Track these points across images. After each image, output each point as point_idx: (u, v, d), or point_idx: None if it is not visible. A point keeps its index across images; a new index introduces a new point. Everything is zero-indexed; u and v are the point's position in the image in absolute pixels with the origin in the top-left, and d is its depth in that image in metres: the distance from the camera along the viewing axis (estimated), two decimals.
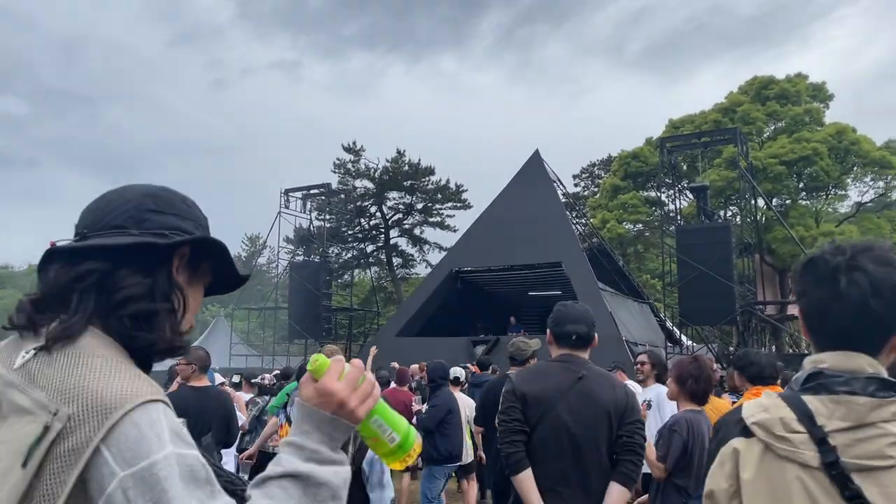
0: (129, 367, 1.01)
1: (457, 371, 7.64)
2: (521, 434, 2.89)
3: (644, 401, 5.37)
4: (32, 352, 1.00)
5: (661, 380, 5.78)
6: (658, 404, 5.56)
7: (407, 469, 8.33)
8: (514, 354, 5.43)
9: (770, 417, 1.28)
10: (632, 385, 8.07)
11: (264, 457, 6.46)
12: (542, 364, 3.17)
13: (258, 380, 8.38)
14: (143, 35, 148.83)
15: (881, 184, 30.83)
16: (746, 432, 1.30)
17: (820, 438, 1.22)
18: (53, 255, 1.07)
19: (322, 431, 1.03)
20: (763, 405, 1.32)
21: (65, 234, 1.14)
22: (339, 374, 1.07)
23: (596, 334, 3.13)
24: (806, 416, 1.25)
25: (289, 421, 4.67)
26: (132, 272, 1.06)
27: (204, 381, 5.13)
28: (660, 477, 3.65)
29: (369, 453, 3.25)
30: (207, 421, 4.73)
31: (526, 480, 2.85)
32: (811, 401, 1.26)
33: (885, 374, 1.27)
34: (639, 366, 6.23)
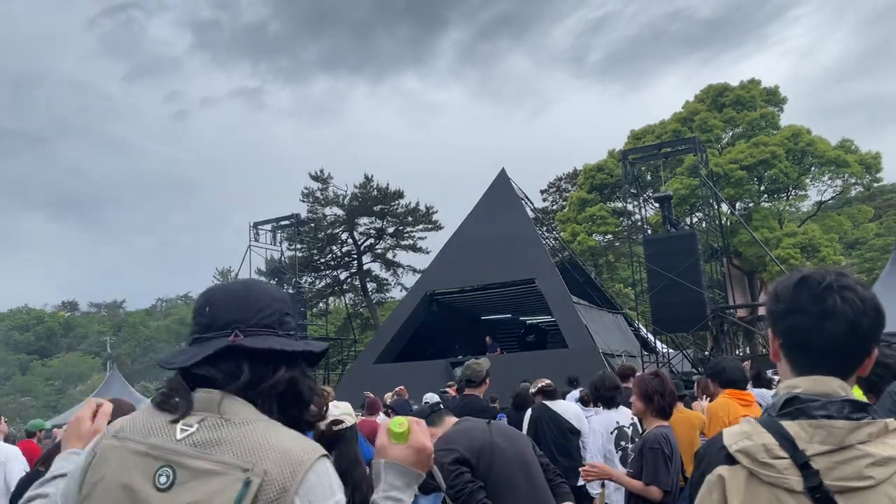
0: (291, 429, 1.23)
1: (430, 397, 7.64)
2: (480, 491, 2.78)
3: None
4: (196, 426, 1.18)
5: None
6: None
7: None
8: (470, 377, 5.38)
9: (753, 444, 1.29)
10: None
11: None
12: (448, 431, 3.00)
13: None
14: (98, 70, 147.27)
15: (839, 182, 31.65)
16: (730, 459, 1.31)
17: (803, 463, 1.24)
18: (232, 350, 1.26)
19: (412, 488, 1.29)
20: (745, 432, 1.32)
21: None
22: (425, 432, 1.31)
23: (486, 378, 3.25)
24: (787, 442, 1.27)
25: None
26: (303, 375, 1.31)
27: None
28: (657, 499, 3.58)
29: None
30: None
31: None
32: (791, 426, 1.29)
33: (854, 397, 1.32)
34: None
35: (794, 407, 1.31)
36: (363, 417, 8.31)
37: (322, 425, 3.56)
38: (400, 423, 1.31)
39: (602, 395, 5.57)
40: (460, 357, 20.11)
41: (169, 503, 1.11)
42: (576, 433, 6.17)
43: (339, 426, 3.47)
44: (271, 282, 28.52)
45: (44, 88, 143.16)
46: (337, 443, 3.44)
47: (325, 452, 1.20)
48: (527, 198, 23.98)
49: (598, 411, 6.08)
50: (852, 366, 1.34)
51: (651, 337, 23.27)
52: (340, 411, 3.57)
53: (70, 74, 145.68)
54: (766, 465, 1.26)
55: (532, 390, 6.55)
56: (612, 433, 5.27)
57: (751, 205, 31.40)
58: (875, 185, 32.44)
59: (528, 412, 6.60)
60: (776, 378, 10.58)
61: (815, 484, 1.22)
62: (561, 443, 6.03)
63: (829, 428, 1.26)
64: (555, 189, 47.15)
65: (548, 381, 6.45)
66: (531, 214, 23.22)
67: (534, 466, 2.94)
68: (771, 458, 1.26)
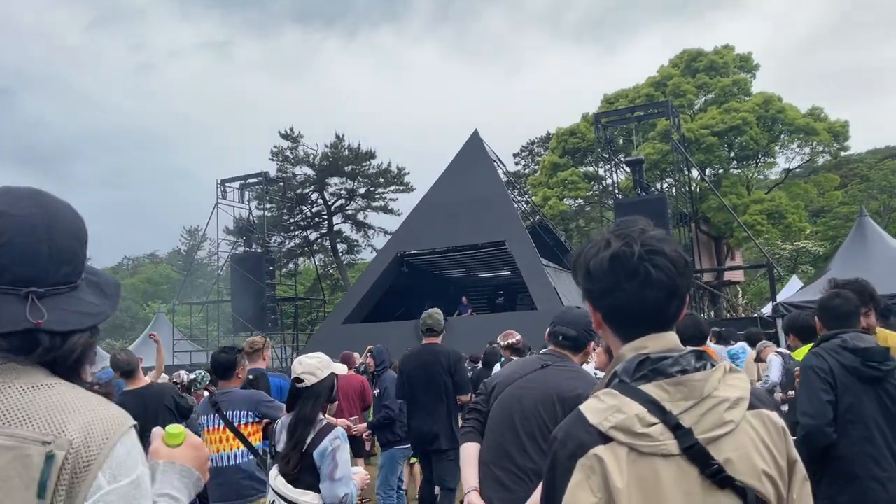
0: (94, 393, 1.11)
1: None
2: (474, 412, 3.16)
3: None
4: None
5: None
6: None
7: (359, 455, 8.29)
8: (432, 326, 5.60)
9: (627, 417, 1.23)
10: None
11: None
12: (526, 357, 3.47)
13: (176, 378, 8.06)
14: (61, 19, 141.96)
15: (807, 150, 32.06)
16: (604, 438, 1.23)
17: (674, 425, 1.22)
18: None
19: (189, 489, 1.25)
20: (612, 406, 1.26)
21: None
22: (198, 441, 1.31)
23: (593, 342, 3.25)
24: (654, 406, 1.23)
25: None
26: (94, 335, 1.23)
27: (141, 382, 5.08)
28: None
29: (322, 443, 3.23)
30: (153, 419, 4.81)
31: (465, 452, 3.12)
32: (651, 389, 1.26)
33: (689, 347, 1.35)
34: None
35: (647, 369, 1.28)
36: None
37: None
38: (175, 430, 1.30)
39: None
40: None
41: None
42: None
43: (300, 384, 3.42)
44: (239, 241, 28.20)
45: (3, 36, 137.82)
46: (296, 399, 3.40)
47: (135, 421, 1.10)
48: (499, 160, 23.87)
49: None
50: (674, 319, 1.36)
51: None
52: (302, 369, 3.50)
53: (31, 23, 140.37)
54: (643, 436, 1.21)
55: (501, 343, 6.60)
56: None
57: (720, 171, 31.69)
58: (842, 153, 32.95)
59: (497, 366, 6.69)
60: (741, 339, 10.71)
61: (691, 443, 1.21)
62: None
63: (689, 383, 1.25)
64: (527, 153, 47.06)
65: (517, 338, 6.48)
66: (503, 177, 23.13)
67: (534, 425, 2.94)
68: (645, 427, 1.22)
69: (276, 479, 3.22)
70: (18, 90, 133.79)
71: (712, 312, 27.55)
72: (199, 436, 6.55)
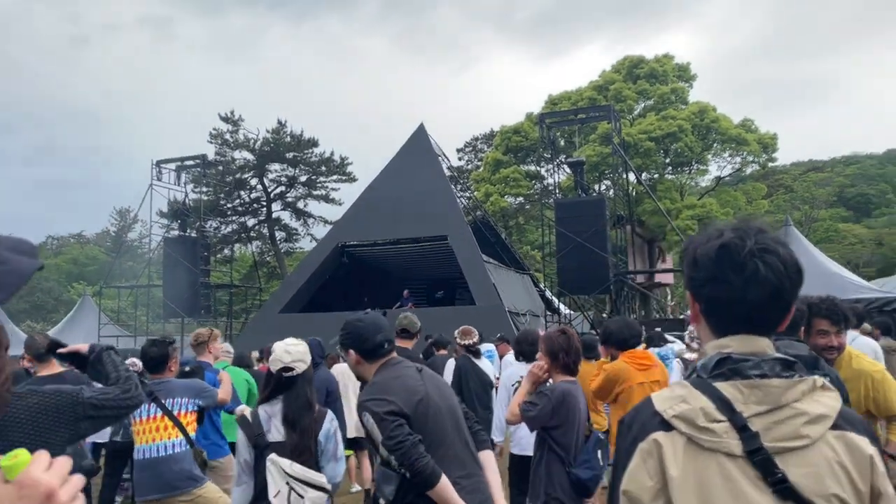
0: None
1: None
2: (420, 444, 2.71)
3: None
4: None
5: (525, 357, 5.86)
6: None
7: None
8: (407, 327, 5.49)
9: (691, 408, 1.23)
10: (510, 358, 8.29)
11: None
12: (379, 378, 2.94)
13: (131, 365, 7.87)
14: None
15: (738, 159, 33.34)
16: (666, 426, 1.24)
17: (741, 425, 1.20)
18: None
19: None
20: (680, 396, 1.26)
21: None
22: (47, 465, 0.94)
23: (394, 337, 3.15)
24: (724, 404, 1.22)
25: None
26: None
27: (55, 368, 4.79)
28: (510, 420, 4.09)
29: (325, 426, 3.26)
30: None
31: (448, 487, 2.68)
32: (725, 387, 1.24)
33: (779, 354, 1.31)
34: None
35: (726, 367, 1.27)
36: (262, 366, 8.15)
37: (273, 371, 3.47)
38: (14, 455, 0.96)
39: (524, 350, 5.75)
40: (368, 310, 20.03)
41: None
42: (492, 386, 6.51)
43: (289, 373, 3.39)
44: (173, 224, 27.39)
45: None
46: (287, 388, 3.38)
47: None
48: (444, 154, 23.94)
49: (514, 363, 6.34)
50: (774, 325, 1.32)
51: (555, 298, 24.01)
52: (291, 358, 3.47)
53: None
54: (705, 430, 1.21)
55: (460, 342, 6.60)
56: (513, 385, 5.45)
57: (656, 176, 32.63)
58: (770, 164, 34.42)
59: (451, 362, 6.72)
60: (672, 339, 11.10)
61: (756, 447, 1.19)
62: (482, 395, 6.36)
63: (766, 388, 1.23)
64: (471, 148, 47.32)
65: (476, 339, 6.54)
66: (447, 172, 23.21)
67: (460, 417, 2.95)
68: (709, 422, 1.21)
69: (291, 466, 3.18)
70: None
71: (643, 312, 28.41)
72: (127, 428, 6.37)
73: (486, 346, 11.00)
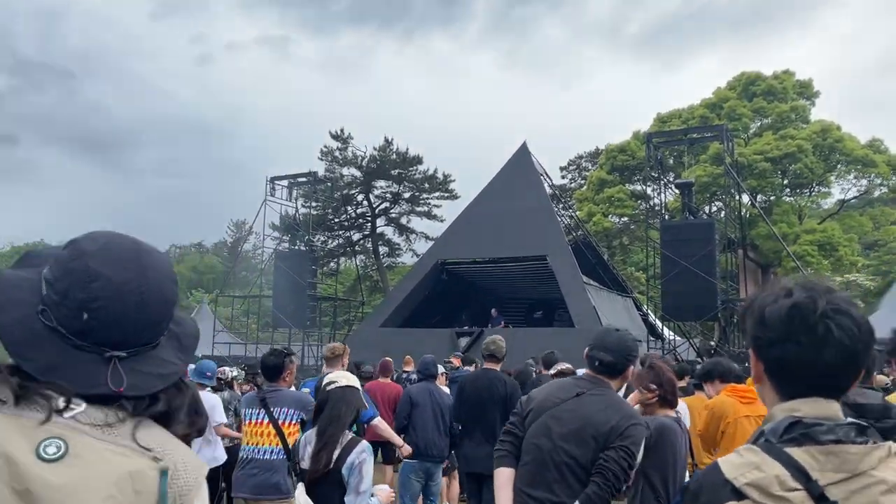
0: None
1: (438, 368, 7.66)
2: (509, 435, 3.08)
3: None
4: (84, 405, 1.03)
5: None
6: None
7: (389, 461, 8.34)
8: (494, 352, 5.57)
9: (765, 476, 1.18)
10: None
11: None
12: (563, 380, 3.35)
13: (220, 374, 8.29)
14: (125, 6, 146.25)
15: (864, 182, 31.18)
16: (738, 494, 1.18)
17: (818, 494, 1.15)
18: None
19: None
20: (752, 462, 1.21)
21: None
22: None
23: (631, 366, 3.17)
24: (799, 472, 1.17)
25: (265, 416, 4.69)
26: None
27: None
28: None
29: (349, 458, 3.27)
30: None
31: (498, 477, 3.01)
32: (798, 454, 1.19)
33: (851, 419, 1.25)
34: None
35: (798, 432, 1.21)
36: (380, 380, 8.34)
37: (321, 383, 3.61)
38: None
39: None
40: (466, 328, 20.17)
41: (58, 476, 0.94)
42: None
43: (331, 386, 3.54)
44: (284, 238, 28.65)
45: (70, 21, 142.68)
46: (326, 401, 3.50)
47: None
48: (546, 173, 23.80)
49: None
50: (846, 388, 1.27)
51: (658, 323, 23.20)
52: (336, 374, 3.64)
53: (97, 8, 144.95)
54: (780, 499, 1.15)
55: (551, 372, 6.54)
56: None
57: (772, 198, 31.00)
58: None
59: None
60: None
61: None
62: None
63: (843, 454, 1.17)
64: (575, 167, 46.77)
65: (567, 366, 6.44)
66: (549, 191, 23.05)
67: (569, 456, 2.90)
68: (784, 491, 1.15)
69: (301, 496, 3.22)
70: (80, 75, 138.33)
71: None
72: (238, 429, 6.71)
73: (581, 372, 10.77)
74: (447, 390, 7.36)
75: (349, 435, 3.40)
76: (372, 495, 3.27)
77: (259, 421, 4.69)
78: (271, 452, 4.64)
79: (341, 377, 3.57)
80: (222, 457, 6.19)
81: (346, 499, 3.20)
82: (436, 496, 6.70)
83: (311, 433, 3.44)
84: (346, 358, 6.17)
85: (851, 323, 1.23)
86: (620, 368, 3.10)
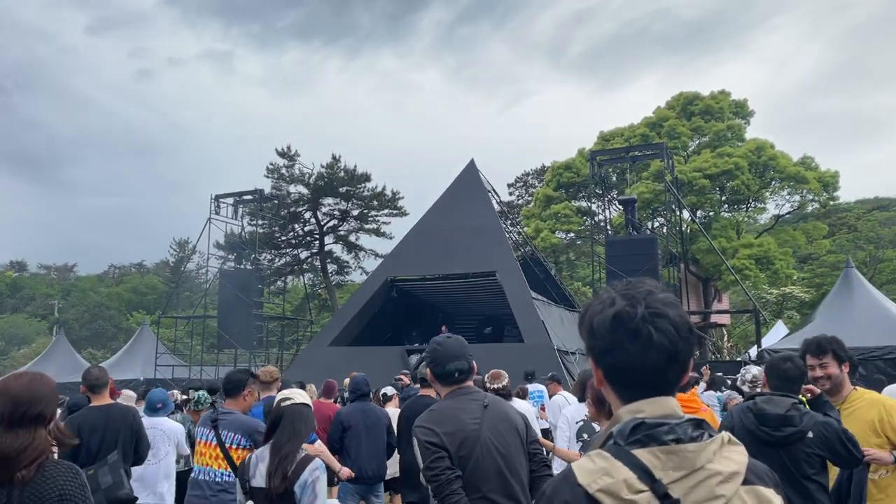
0: None
1: (387, 389, 7.57)
2: (457, 481, 2.82)
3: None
4: None
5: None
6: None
7: (330, 483, 8.20)
8: (425, 377, 5.57)
9: (615, 482, 1.23)
10: (565, 397, 8.19)
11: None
12: (441, 405, 3.05)
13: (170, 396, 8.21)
14: (61, 19, 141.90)
15: (797, 197, 32.46)
16: (590, 499, 1.24)
17: (662, 494, 1.21)
18: None
19: None
20: (602, 468, 1.26)
21: None
22: None
23: (474, 363, 3.13)
24: (644, 473, 1.23)
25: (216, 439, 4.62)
26: None
27: (106, 399, 5.18)
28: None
29: (302, 476, 3.23)
30: (112, 439, 4.90)
31: None
32: (643, 454, 1.25)
33: (687, 415, 1.33)
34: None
35: (642, 434, 1.27)
36: (321, 399, 8.23)
37: (274, 400, 3.57)
38: None
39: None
40: (416, 345, 20.12)
41: None
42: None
43: (287, 402, 3.51)
44: (229, 256, 28.10)
45: (2, 34, 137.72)
46: (281, 417, 3.46)
47: None
48: (493, 190, 24.04)
49: (573, 402, 6.28)
50: (675, 384, 1.36)
51: None
52: (290, 392, 3.62)
53: (31, 21, 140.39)
54: (629, 503, 1.21)
55: (489, 385, 6.54)
56: (577, 423, 5.42)
57: (711, 213, 32.02)
58: (831, 202, 33.37)
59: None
60: (729, 380, 10.78)
61: None
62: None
63: (682, 453, 1.24)
64: (521, 184, 47.41)
65: (504, 384, 6.45)
66: (497, 207, 23.29)
67: (515, 461, 2.93)
68: (632, 494, 1.21)
69: None
70: (14, 90, 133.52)
71: (697, 353, 27.65)
72: (188, 459, 6.58)
73: (537, 387, 10.85)
74: (395, 412, 7.24)
75: (303, 451, 3.36)
76: None
77: (208, 442, 4.65)
78: (221, 475, 4.60)
79: (296, 394, 3.55)
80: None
81: None
82: None
83: (263, 450, 3.39)
84: (278, 383, 6.16)
85: (669, 324, 1.31)
86: (472, 367, 3.13)
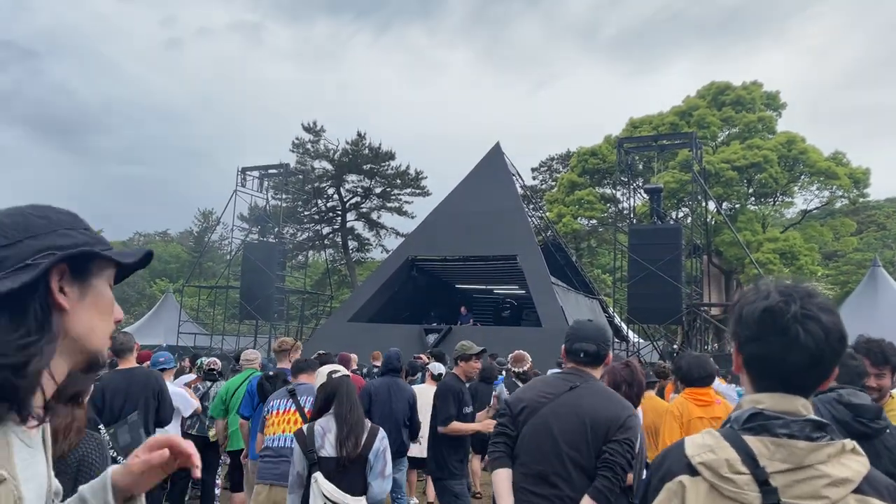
0: None
1: (438, 367, 7.53)
2: (503, 436, 3.08)
3: None
4: None
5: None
6: None
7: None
8: (459, 354, 5.77)
9: (716, 458, 1.32)
10: None
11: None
12: (547, 376, 3.36)
13: (207, 365, 8.38)
14: None
15: (826, 193, 31.93)
16: (692, 470, 1.35)
17: (762, 480, 1.28)
18: None
19: None
20: (708, 445, 1.36)
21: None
22: None
23: (610, 353, 3.23)
24: (749, 457, 1.30)
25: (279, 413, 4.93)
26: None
27: (131, 363, 5.38)
28: None
29: (374, 445, 3.41)
30: (134, 401, 5.10)
31: (498, 478, 3.02)
32: (752, 441, 1.32)
33: (815, 416, 1.36)
34: None
35: (757, 423, 1.34)
36: None
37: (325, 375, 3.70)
38: None
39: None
40: (434, 324, 20.25)
41: None
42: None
43: (338, 373, 3.67)
44: (253, 229, 28.37)
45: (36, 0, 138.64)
46: (337, 388, 3.61)
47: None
48: (518, 174, 23.97)
49: None
50: (813, 388, 1.38)
51: (623, 325, 23.55)
52: (334, 366, 3.83)
53: None
54: (726, 480, 1.30)
55: (513, 368, 6.63)
56: None
57: (737, 206, 31.63)
58: (861, 199, 32.80)
59: (499, 385, 6.72)
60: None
61: (773, 501, 1.26)
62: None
63: (791, 447, 1.29)
64: (546, 168, 47.10)
65: (527, 367, 6.52)
66: (520, 191, 23.23)
67: (582, 447, 2.88)
68: (732, 473, 1.30)
69: (332, 490, 3.29)
70: (45, 54, 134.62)
71: (716, 346, 27.49)
72: (203, 422, 6.78)
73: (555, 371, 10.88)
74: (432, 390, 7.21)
75: (367, 422, 3.52)
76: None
77: (286, 410, 4.88)
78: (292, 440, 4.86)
79: (339, 367, 3.73)
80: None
81: (373, 482, 3.34)
82: (400, 489, 6.74)
83: (326, 421, 3.49)
84: (296, 354, 6.26)
85: (819, 328, 1.32)
86: (603, 356, 3.16)
